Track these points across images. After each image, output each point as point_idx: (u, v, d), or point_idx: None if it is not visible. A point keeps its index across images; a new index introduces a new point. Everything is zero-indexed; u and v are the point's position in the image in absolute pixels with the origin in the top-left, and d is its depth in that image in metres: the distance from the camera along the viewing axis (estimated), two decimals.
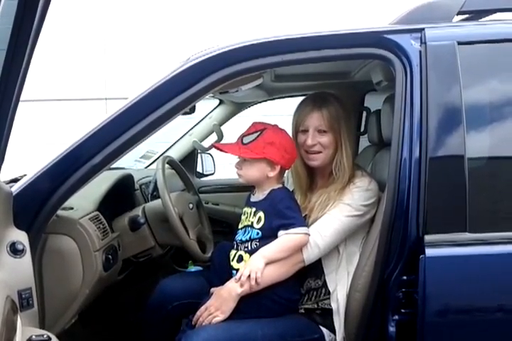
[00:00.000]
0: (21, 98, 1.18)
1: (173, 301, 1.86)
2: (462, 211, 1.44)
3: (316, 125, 1.73)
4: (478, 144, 1.49)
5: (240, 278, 1.59)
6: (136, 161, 3.10)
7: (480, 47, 1.52)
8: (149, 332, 1.89)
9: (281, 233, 1.63)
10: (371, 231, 1.66)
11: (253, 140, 1.64)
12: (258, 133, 1.65)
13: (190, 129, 2.98)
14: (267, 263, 1.60)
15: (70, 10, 6.10)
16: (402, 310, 1.46)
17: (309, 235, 1.63)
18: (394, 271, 1.46)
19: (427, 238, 1.43)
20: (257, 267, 1.59)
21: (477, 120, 1.49)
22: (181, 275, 2.14)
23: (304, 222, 1.66)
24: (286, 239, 1.62)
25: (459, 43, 1.49)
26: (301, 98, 1.86)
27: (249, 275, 1.58)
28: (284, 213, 1.64)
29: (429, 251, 1.42)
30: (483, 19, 1.72)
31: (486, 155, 1.54)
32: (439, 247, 1.43)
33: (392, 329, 1.46)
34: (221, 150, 1.69)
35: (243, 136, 1.67)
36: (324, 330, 1.68)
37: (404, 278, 1.45)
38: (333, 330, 1.67)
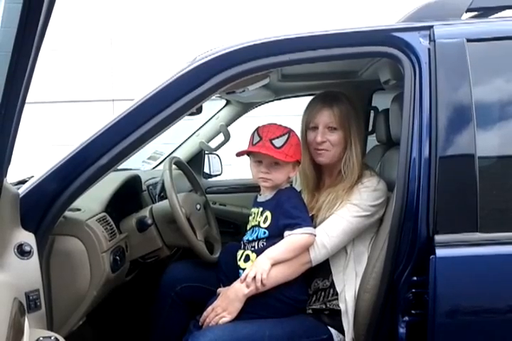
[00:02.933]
0: (28, 100, 1.18)
1: (182, 282, 1.89)
2: (473, 211, 1.43)
3: (326, 122, 1.73)
4: (488, 143, 1.47)
5: (245, 279, 1.59)
6: (144, 162, 3.11)
7: (489, 44, 1.50)
8: (159, 314, 1.90)
9: (286, 233, 1.62)
10: (380, 232, 1.64)
11: (285, 143, 1.63)
12: (287, 135, 1.64)
13: (197, 130, 2.97)
14: (274, 264, 1.60)
15: (77, 11, 6.13)
16: (412, 311, 1.44)
17: (315, 235, 1.62)
18: (404, 271, 1.44)
19: (437, 238, 1.42)
20: (262, 268, 1.58)
21: (487, 118, 1.48)
22: (193, 261, 2.13)
23: (310, 221, 1.65)
24: (292, 239, 1.61)
25: (468, 41, 1.47)
26: (309, 98, 1.85)
27: (254, 277, 1.57)
28: (290, 213, 1.63)
29: (440, 252, 1.40)
30: (492, 16, 1.70)
31: (497, 154, 1.52)
32: (449, 247, 1.42)
33: (402, 330, 1.44)
34: (264, 154, 1.61)
35: (271, 139, 1.62)
36: (333, 331, 1.67)
37: (415, 278, 1.44)
38: (341, 331, 1.66)
